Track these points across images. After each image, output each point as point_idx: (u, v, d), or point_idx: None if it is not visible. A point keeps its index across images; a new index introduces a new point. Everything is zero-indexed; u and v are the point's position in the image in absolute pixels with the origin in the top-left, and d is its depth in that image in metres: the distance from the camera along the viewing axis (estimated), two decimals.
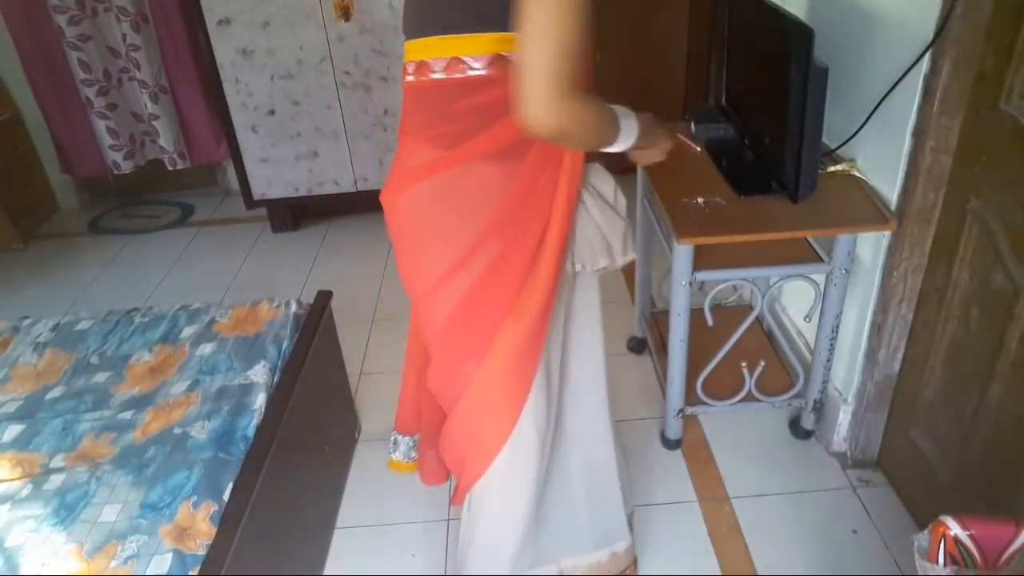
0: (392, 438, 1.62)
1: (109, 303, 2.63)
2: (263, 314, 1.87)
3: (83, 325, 1.90)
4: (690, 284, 1.73)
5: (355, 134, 3.17)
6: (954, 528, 0.99)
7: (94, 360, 1.76)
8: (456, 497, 1.40)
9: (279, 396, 1.61)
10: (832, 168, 1.76)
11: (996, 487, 1.46)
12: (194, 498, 1.31)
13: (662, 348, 1.94)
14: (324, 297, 1.96)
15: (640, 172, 2.08)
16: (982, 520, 0.99)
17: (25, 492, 1.36)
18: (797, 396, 1.97)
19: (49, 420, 1.56)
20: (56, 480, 1.38)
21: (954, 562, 1.00)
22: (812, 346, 1.93)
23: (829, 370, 1.88)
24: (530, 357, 1.21)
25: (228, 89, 3.05)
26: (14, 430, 1.53)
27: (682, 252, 1.68)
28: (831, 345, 1.83)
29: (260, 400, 1.57)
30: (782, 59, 1.52)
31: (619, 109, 1.13)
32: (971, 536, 0.99)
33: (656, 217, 1.82)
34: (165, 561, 1.20)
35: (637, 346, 2.43)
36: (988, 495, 1.48)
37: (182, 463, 1.39)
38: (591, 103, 1.01)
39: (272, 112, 3.10)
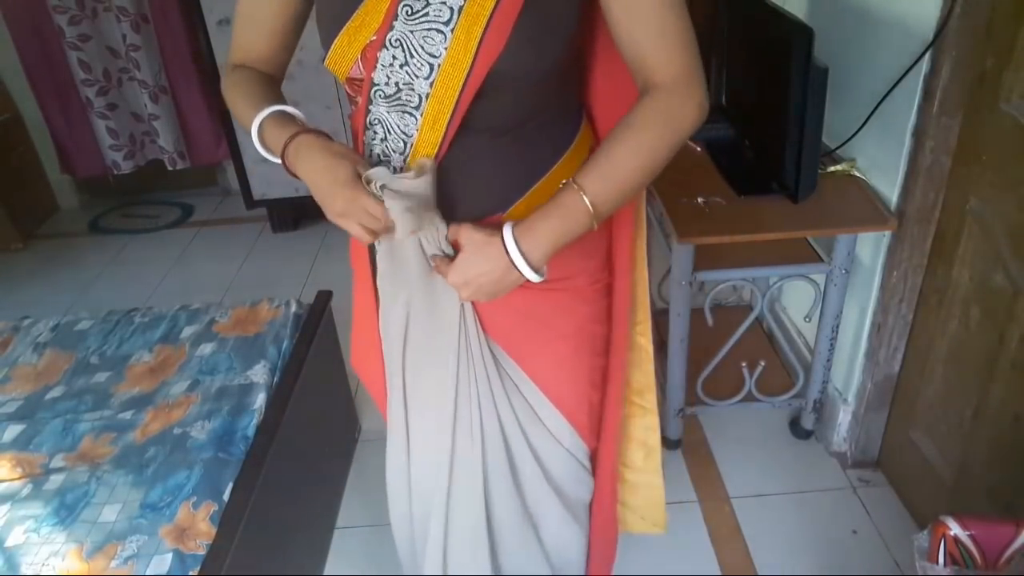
0: None
1: (109, 303, 2.62)
2: (263, 314, 1.87)
3: (83, 325, 1.90)
4: (690, 284, 1.73)
5: None
6: (954, 528, 0.99)
7: (94, 360, 1.76)
8: None
9: (279, 396, 1.61)
10: (832, 168, 1.76)
11: (996, 487, 1.46)
12: (194, 498, 1.31)
13: (662, 348, 1.94)
14: (324, 297, 1.96)
15: None
16: (982, 520, 0.99)
17: (25, 492, 1.36)
18: (797, 396, 1.97)
19: (49, 420, 1.56)
20: (56, 480, 1.38)
21: (954, 562, 1.00)
22: (812, 346, 1.93)
23: (829, 370, 1.88)
24: None
25: None
26: (14, 430, 1.53)
27: (682, 252, 1.68)
28: (831, 345, 1.83)
29: (260, 400, 1.57)
30: (782, 59, 1.52)
31: (276, 110, 0.93)
32: (971, 536, 0.99)
33: (656, 217, 1.82)
34: (165, 561, 1.21)
35: None
36: (988, 495, 1.48)
37: (182, 463, 1.39)
38: (230, 80, 1.00)
39: None
